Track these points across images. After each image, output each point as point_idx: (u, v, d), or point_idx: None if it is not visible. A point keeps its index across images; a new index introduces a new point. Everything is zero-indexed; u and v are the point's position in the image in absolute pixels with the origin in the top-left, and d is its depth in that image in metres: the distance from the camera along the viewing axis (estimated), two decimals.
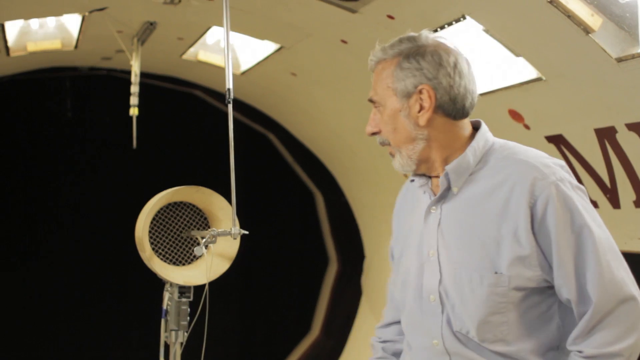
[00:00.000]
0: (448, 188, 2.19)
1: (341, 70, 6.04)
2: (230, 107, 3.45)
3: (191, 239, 3.79)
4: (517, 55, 4.26)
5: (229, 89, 3.46)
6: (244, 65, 7.01)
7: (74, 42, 6.60)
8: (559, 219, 2.05)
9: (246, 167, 8.80)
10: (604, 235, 2.08)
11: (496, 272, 2.09)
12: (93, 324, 8.58)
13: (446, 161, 2.20)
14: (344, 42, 5.40)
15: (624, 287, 2.05)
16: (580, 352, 2.05)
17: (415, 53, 2.15)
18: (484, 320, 2.11)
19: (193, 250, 3.60)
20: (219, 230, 3.52)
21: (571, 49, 3.83)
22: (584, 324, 2.05)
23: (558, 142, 4.47)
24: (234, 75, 7.22)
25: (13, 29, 6.28)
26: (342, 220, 8.98)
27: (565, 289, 2.07)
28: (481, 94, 3.44)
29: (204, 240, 3.46)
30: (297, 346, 9.41)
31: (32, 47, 6.49)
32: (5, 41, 6.16)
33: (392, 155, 2.23)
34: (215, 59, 6.98)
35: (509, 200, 2.09)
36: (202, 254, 3.48)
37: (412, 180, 2.31)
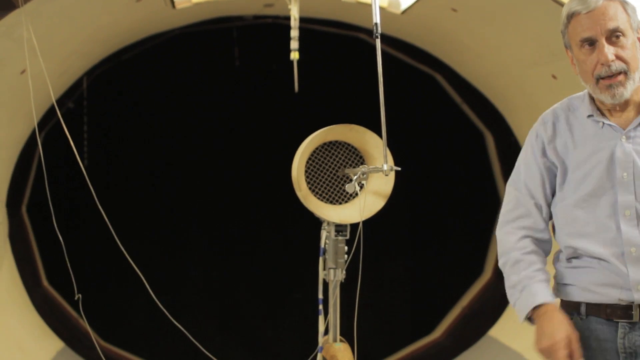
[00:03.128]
0: None
1: (503, 2, 5.81)
2: (378, 41, 3.42)
3: (346, 177, 3.81)
4: None
5: (376, 24, 3.43)
6: (404, 4, 6.88)
7: None
8: None
9: (412, 109, 8.71)
10: None
11: None
12: (258, 265, 8.80)
13: None
14: None
15: None
16: None
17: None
18: None
19: (345, 188, 3.62)
20: (370, 167, 3.52)
21: None
22: None
23: None
24: (395, 15, 7.15)
25: None
26: (513, 160, 8.70)
27: None
28: None
29: (355, 177, 3.47)
30: (469, 288, 9.32)
31: None
32: None
33: (622, 84, 2.66)
34: None
35: None
36: (354, 190, 3.49)
37: (590, 116, 2.79)
